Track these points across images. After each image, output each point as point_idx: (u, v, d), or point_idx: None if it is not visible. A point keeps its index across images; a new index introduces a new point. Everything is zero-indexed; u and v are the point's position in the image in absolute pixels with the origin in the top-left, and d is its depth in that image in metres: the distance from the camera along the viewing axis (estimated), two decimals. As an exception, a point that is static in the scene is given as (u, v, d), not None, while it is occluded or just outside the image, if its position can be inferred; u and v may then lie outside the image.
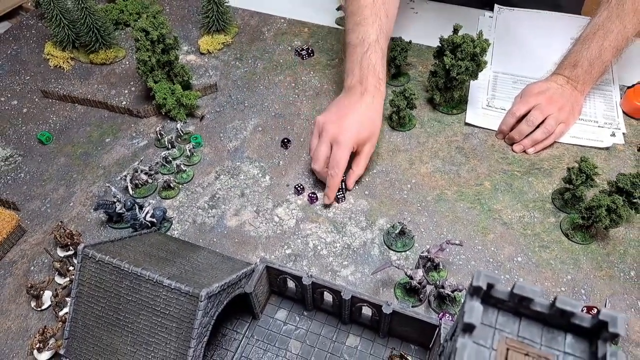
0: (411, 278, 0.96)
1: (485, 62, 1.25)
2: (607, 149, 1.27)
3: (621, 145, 1.28)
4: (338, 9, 1.74)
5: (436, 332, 0.82)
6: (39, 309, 1.00)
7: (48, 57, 1.58)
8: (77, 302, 0.81)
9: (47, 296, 1.00)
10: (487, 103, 1.39)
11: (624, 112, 1.36)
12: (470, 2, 1.72)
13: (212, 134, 1.35)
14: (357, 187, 1.21)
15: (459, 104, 1.39)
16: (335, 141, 1.13)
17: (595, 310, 0.93)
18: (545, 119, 1.25)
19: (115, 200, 1.11)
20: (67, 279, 1.03)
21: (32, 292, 0.98)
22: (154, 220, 1.08)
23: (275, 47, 1.62)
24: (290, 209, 1.17)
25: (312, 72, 1.52)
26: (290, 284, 0.94)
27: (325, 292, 0.90)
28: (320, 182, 1.21)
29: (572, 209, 1.13)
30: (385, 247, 1.09)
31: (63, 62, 1.56)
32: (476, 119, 1.35)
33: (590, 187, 1.10)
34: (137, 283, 0.77)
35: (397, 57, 1.40)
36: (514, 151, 1.28)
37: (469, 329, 0.48)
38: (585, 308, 0.94)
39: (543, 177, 1.22)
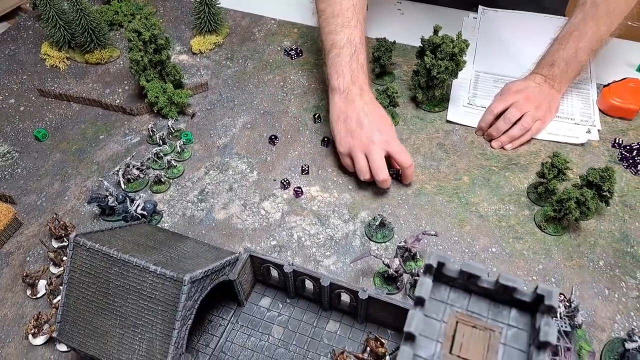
0: (388, 267, 1.01)
1: (465, 62, 1.29)
2: (582, 145, 1.32)
3: (596, 142, 1.33)
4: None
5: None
6: (34, 297, 1.04)
7: (44, 57, 1.62)
8: (69, 288, 0.85)
9: (42, 285, 1.05)
10: (469, 101, 1.44)
11: (600, 110, 1.41)
12: (455, 3, 1.76)
13: (203, 131, 1.40)
14: (341, 181, 1.26)
15: (441, 102, 1.43)
16: (367, 152, 1.18)
17: (563, 296, 0.98)
18: (522, 116, 1.29)
19: (108, 194, 1.16)
20: (61, 268, 1.07)
21: (27, 281, 1.02)
22: (144, 212, 1.13)
23: (265, 47, 1.67)
24: (277, 202, 1.22)
25: (300, 72, 1.57)
26: (274, 272, 0.99)
27: (306, 280, 0.95)
28: (305, 178, 1.26)
29: (545, 202, 1.18)
30: (366, 238, 1.14)
31: (59, 62, 1.60)
32: (457, 117, 1.40)
33: (562, 181, 1.14)
34: (125, 269, 0.81)
35: (382, 57, 1.45)
36: (492, 147, 1.32)
37: (420, 302, 0.52)
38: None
39: (519, 172, 1.26)
